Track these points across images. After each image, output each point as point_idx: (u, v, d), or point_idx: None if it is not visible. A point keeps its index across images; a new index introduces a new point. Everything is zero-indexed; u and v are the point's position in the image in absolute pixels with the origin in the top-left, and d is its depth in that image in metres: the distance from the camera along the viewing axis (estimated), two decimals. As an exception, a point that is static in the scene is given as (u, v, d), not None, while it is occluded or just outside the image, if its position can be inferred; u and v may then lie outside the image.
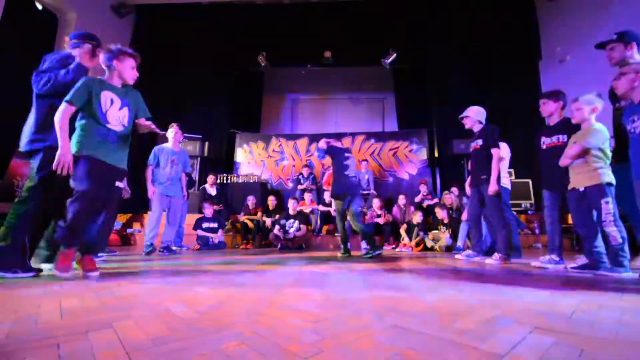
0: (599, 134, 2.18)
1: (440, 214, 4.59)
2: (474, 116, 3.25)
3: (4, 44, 4.96)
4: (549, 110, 2.72)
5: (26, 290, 1.47)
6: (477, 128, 3.25)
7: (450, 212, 4.70)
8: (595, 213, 2.19)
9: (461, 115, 3.35)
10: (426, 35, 7.35)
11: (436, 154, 7.48)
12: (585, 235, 2.29)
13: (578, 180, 2.28)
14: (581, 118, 2.29)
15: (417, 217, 4.75)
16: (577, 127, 2.43)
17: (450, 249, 4.31)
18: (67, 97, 1.87)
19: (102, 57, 2.06)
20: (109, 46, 2.05)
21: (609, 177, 2.14)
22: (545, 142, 2.70)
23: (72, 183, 1.89)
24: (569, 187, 2.35)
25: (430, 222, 4.89)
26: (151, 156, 3.74)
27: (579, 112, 2.28)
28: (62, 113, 1.86)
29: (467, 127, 3.33)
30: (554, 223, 2.64)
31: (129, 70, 2.10)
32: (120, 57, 2.05)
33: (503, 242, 2.94)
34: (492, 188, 2.96)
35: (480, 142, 3.14)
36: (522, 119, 6.21)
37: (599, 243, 2.19)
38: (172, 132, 3.87)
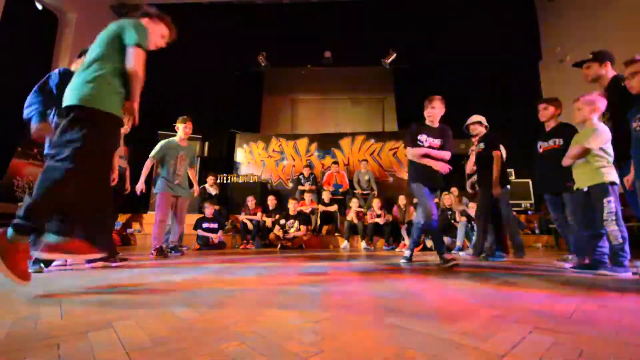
0: (600, 134, 2.17)
1: None
2: (484, 122, 3.44)
3: (4, 44, 4.96)
4: (549, 115, 2.88)
5: (26, 290, 1.47)
6: (483, 132, 3.43)
7: (449, 212, 4.70)
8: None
9: (469, 123, 3.47)
10: (426, 35, 7.35)
11: (436, 154, 7.48)
12: (590, 235, 2.29)
13: (581, 180, 2.28)
14: (582, 118, 2.29)
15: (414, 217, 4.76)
16: (572, 131, 2.58)
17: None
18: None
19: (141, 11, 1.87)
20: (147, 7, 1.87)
21: (611, 176, 2.14)
22: (542, 145, 2.88)
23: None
24: (574, 188, 2.35)
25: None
26: (157, 149, 3.49)
27: (579, 112, 2.29)
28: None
29: (475, 132, 3.45)
30: (562, 225, 2.78)
31: (158, 37, 1.90)
32: (154, 19, 1.88)
33: (477, 240, 3.24)
34: (495, 192, 3.15)
35: (482, 145, 3.33)
36: (523, 118, 6.21)
37: (604, 243, 2.19)
38: (185, 126, 3.60)
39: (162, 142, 3.56)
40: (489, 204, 3.19)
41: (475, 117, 3.43)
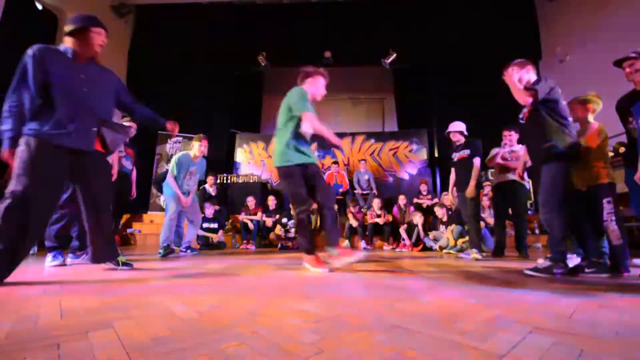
0: (595, 134, 2.17)
1: (440, 212, 4.59)
2: (464, 130, 3.55)
3: (4, 44, 4.96)
4: None
5: (26, 290, 1.47)
6: (462, 140, 3.55)
7: (450, 212, 4.69)
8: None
9: (452, 131, 3.56)
10: (426, 35, 7.35)
11: (436, 154, 7.48)
12: (590, 235, 2.28)
13: (579, 181, 2.27)
14: (576, 118, 2.29)
15: (417, 218, 4.75)
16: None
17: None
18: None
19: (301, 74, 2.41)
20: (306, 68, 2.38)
21: (609, 176, 2.14)
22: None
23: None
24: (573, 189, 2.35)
25: (430, 222, 4.89)
26: (173, 165, 3.66)
27: (573, 112, 2.29)
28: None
29: (454, 139, 3.57)
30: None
31: (321, 88, 2.46)
32: (314, 76, 2.41)
33: (472, 239, 3.33)
34: (470, 191, 3.30)
35: (467, 152, 3.44)
36: (522, 119, 6.21)
37: (604, 244, 2.19)
38: (200, 145, 3.84)
39: (178, 158, 3.69)
40: (478, 205, 3.33)
41: (458, 127, 3.55)
